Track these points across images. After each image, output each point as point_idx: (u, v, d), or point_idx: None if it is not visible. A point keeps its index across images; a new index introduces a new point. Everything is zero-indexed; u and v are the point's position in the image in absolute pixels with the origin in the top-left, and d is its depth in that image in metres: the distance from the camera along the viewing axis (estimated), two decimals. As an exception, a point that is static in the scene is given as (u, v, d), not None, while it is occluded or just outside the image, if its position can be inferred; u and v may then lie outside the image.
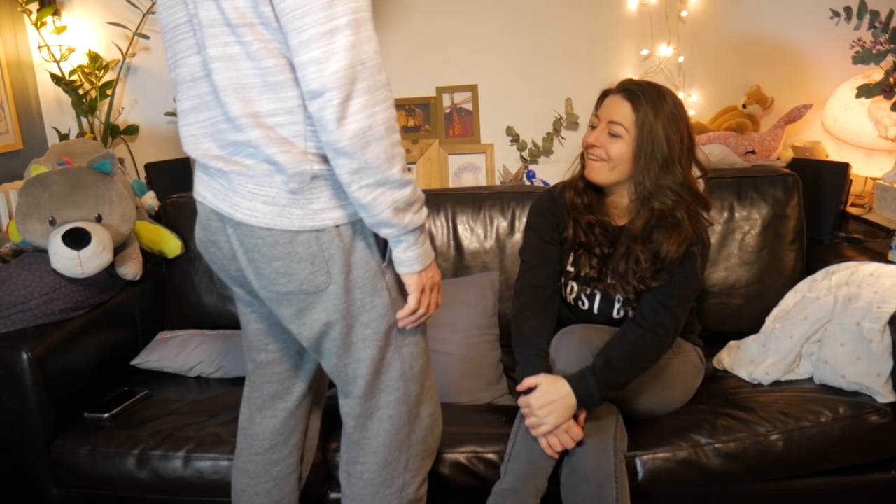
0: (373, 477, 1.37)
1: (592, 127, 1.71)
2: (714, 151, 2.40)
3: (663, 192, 1.62)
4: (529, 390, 1.58)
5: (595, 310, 1.78)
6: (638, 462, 1.66)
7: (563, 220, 1.79)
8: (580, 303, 1.80)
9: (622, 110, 1.63)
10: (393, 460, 1.37)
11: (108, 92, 2.67)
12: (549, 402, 1.54)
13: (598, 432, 1.57)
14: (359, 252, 1.23)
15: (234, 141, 1.17)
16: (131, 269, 2.10)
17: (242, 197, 1.18)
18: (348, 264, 1.22)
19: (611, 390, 1.58)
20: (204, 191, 1.26)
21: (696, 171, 1.72)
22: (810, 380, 1.87)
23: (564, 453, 1.56)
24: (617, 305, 1.76)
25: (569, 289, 1.81)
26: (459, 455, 1.69)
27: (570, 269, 1.79)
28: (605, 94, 1.71)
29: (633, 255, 1.68)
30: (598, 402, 1.57)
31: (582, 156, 1.75)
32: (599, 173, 1.68)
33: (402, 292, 1.29)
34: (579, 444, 1.55)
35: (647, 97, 1.62)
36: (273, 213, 1.17)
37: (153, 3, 2.60)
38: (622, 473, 1.55)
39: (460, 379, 1.94)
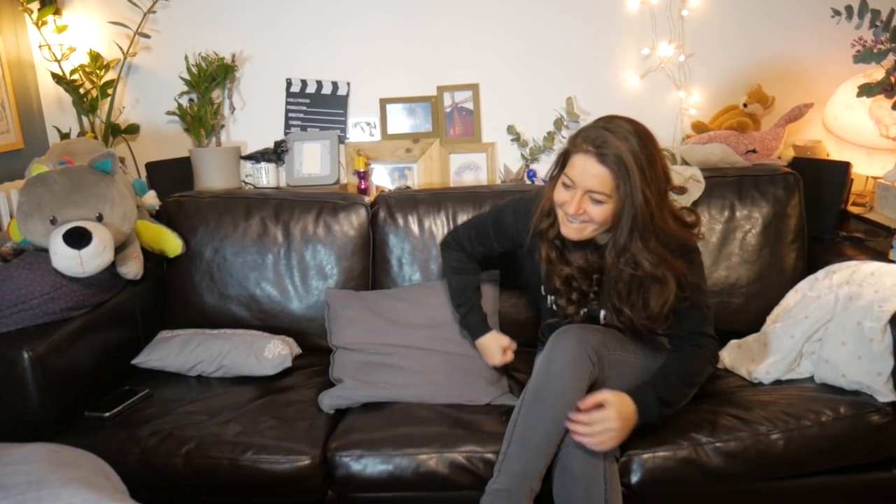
0: None
1: (565, 185, 1.62)
2: (715, 151, 2.40)
3: (645, 256, 1.61)
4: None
5: (582, 316, 1.81)
6: (638, 461, 1.66)
7: (530, 246, 1.82)
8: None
9: (601, 178, 1.55)
10: None
11: (109, 91, 2.66)
12: (623, 424, 1.55)
13: None
14: None
15: None
16: (132, 268, 2.10)
17: None
18: None
19: (667, 408, 1.64)
20: None
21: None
22: (811, 379, 1.87)
23: (556, 453, 1.58)
24: (602, 319, 1.78)
25: (549, 301, 1.85)
26: (459, 455, 1.69)
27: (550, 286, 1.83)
28: (569, 153, 1.61)
29: (618, 308, 1.70)
30: (655, 420, 1.63)
31: (552, 210, 1.70)
32: (580, 234, 1.64)
33: None
34: (571, 444, 1.57)
35: (618, 152, 1.53)
36: None
37: (154, 3, 2.60)
38: (612, 475, 1.57)
39: (460, 378, 1.94)
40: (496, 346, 1.93)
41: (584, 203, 1.59)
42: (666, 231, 1.61)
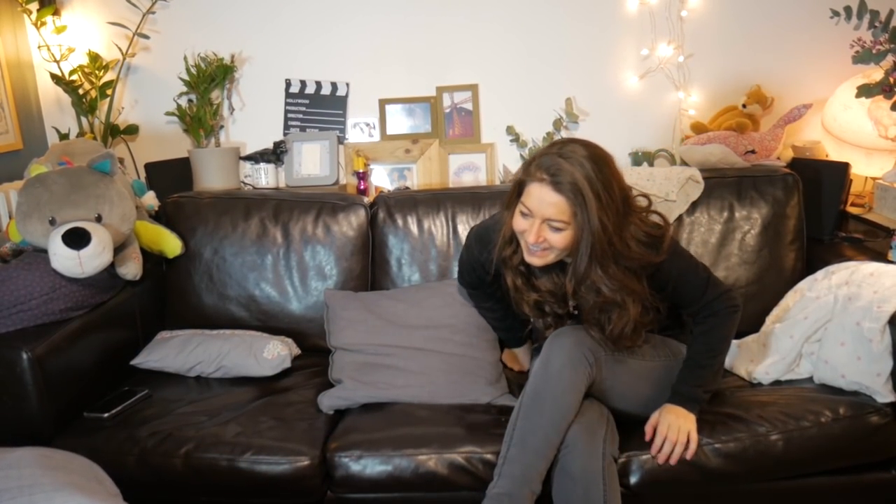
0: None
1: (523, 214, 1.60)
2: (714, 151, 2.40)
3: (604, 283, 1.61)
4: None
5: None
6: (637, 462, 1.66)
7: (494, 271, 1.82)
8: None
9: (558, 206, 1.54)
10: None
11: (108, 92, 2.66)
12: (684, 420, 1.65)
13: (588, 434, 1.58)
14: None
15: None
16: (131, 268, 2.09)
17: None
18: None
19: (707, 386, 1.69)
20: None
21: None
22: (810, 379, 1.87)
23: (557, 454, 1.58)
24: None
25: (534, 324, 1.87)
26: (458, 455, 1.69)
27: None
28: (524, 182, 1.59)
29: (595, 328, 1.70)
30: (705, 398, 1.69)
31: (513, 237, 1.69)
32: (544, 260, 1.64)
33: None
34: (570, 445, 1.57)
35: (573, 179, 1.51)
36: None
37: (153, 3, 2.60)
38: (611, 475, 1.57)
39: (460, 378, 1.94)
40: (517, 358, 2.08)
41: (544, 231, 1.58)
42: (626, 255, 1.60)
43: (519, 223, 1.62)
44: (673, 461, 1.62)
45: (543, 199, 1.55)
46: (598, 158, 1.55)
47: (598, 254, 1.57)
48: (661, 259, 1.64)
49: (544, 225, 1.58)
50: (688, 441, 1.63)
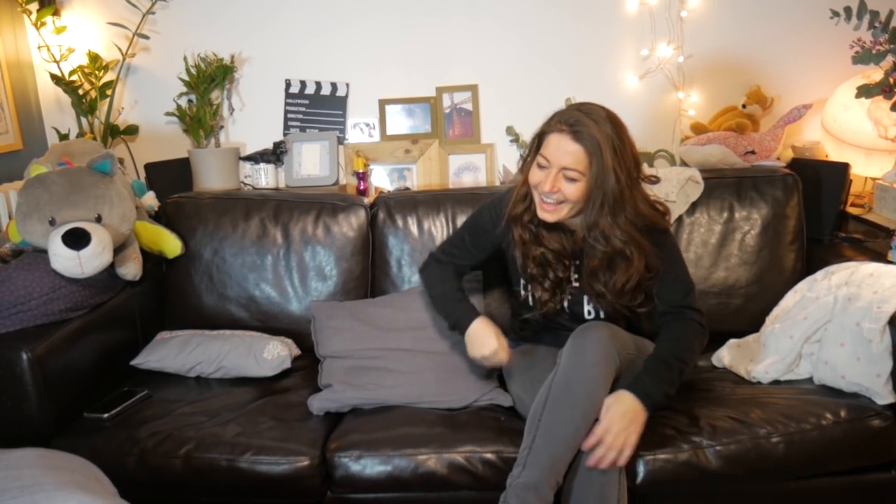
0: None
1: (540, 166, 1.68)
2: (714, 152, 2.40)
3: (615, 233, 1.66)
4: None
5: (566, 308, 1.84)
6: (641, 462, 1.66)
7: (506, 238, 1.85)
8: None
9: (575, 155, 1.62)
10: None
11: (108, 92, 2.66)
12: (629, 423, 1.55)
13: None
14: None
15: None
16: (131, 269, 2.10)
17: None
18: None
19: (669, 386, 1.64)
20: None
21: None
22: (810, 380, 1.87)
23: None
24: (587, 307, 1.82)
25: (522, 295, 1.87)
26: (458, 455, 1.69)
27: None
28: (544, 133, 1.68)
29: (596, 290, 1.75)
30: (661, 401, 1.63)
31: (527, 195, 1.75)
32: (556, 215, 1.69)
33: None
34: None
35: (592, 132, 1.60)
36: None
37: (153, 3, 2.60)
38: (621, 473, 1.56)
39: (448, 377, 1.93)
40: (489, 330, 1.82)
41: (559, 181, 1.65)
42: (636, 210, 1.67)
43: (535, 175, 1.69)
44: (603, 466, 1.53)
45: (561, 148, 1.63)
46: (616, 122, 1.66)
47: (610, 203, 1.63)
48: (667, 226, 1.74)
49: (560, 175, 1.64)
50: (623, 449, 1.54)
